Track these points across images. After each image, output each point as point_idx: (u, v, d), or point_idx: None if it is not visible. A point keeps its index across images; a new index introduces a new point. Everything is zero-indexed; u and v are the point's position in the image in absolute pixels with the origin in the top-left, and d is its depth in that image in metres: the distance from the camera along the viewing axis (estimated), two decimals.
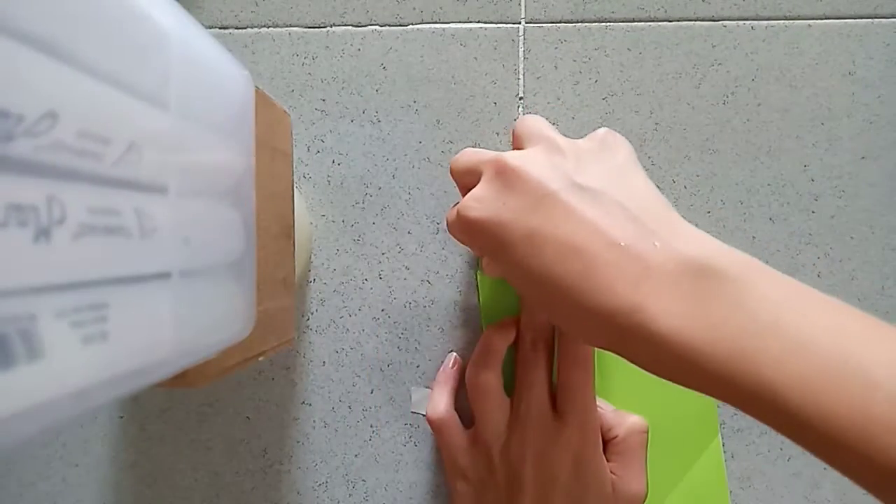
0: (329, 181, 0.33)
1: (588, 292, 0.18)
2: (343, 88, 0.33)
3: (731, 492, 0.31)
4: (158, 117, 0.15)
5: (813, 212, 0.32)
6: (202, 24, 0.18)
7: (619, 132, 0.23)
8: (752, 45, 0.32)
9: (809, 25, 0.32)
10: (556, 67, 0.32)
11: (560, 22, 0.32)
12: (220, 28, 0.33)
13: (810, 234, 0.32)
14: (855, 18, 0.32)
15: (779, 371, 0.16)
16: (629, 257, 0.18)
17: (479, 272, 0.31)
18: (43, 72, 0.11)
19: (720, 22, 0.32)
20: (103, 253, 0.13)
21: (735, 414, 0.31)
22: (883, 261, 0.32)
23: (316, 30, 0.33)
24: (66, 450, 0.33)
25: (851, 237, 0.32)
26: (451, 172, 0.26)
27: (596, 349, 0.28)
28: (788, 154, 0.32)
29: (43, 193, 0.11)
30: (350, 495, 0.32)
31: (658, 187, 0.22)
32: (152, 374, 0.15)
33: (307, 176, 0.33)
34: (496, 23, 0.33)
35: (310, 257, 0.32)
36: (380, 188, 0.33)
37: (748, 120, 0.32)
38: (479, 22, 0.33)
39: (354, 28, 0.33)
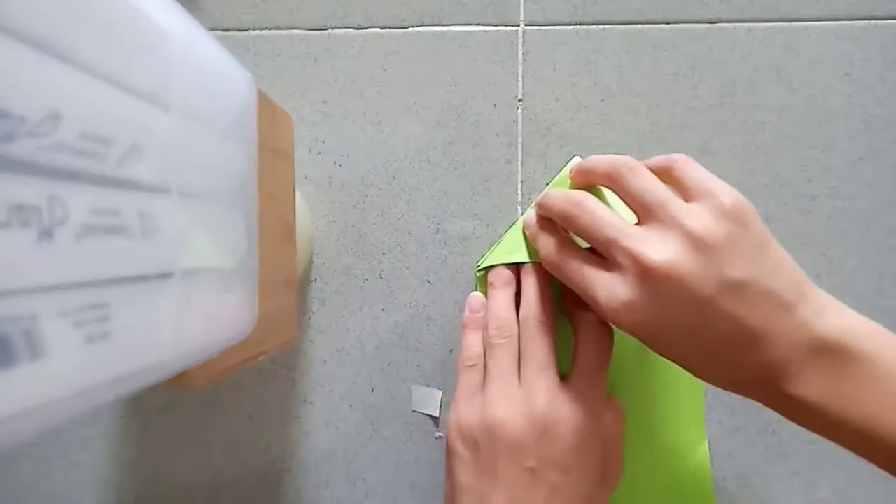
0: (330, 182, 0.33)
1: (737, 368, 0.23)
2: (344, 90, 0.33)
3: (730, 490, 0.31)
4: (160, 118, 0.15)
5: (810, 212, 0.32)
6: (204, 27, 0.18)
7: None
8: (749, 46, 0.32)
9: (806, 27, 0.32)
10: (554, 69, 0.33)
11: (559, 24, 0.33)
12: (221, 30, 0.33)
13: (808, 235, 0.32)
14: (852, 20, 0.32)
15: None
16: (778, 343, 0.22)
17: (478, 272, 0.31)
18: (46, 73, 0.11)
19: (717, 24, 0.32)
20: (105, 253, 0.13)
21: (733, 413, 0.32)
22: (881, 261, 0.32)
23: (317, 32, 0.33)
24: (67, 449, 0.33)
25: (849, 238, 0.32)
26: (550, 209, 0.26)
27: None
28: (786, 155, 0.32)
29: (45, 194, 0.11)
30: (350, 494, 0.32)
31: None
32: (154, 373, 0.15)
33: (308, 177, 0.33)
34: (495, 25, 0.33)
35: (311, 257, 0.33)
36: (380, 189, 0.33)
37: (745, 121, 0.32)
38: (478, 24, 0.33)
39: (355, 30, 0.33)
